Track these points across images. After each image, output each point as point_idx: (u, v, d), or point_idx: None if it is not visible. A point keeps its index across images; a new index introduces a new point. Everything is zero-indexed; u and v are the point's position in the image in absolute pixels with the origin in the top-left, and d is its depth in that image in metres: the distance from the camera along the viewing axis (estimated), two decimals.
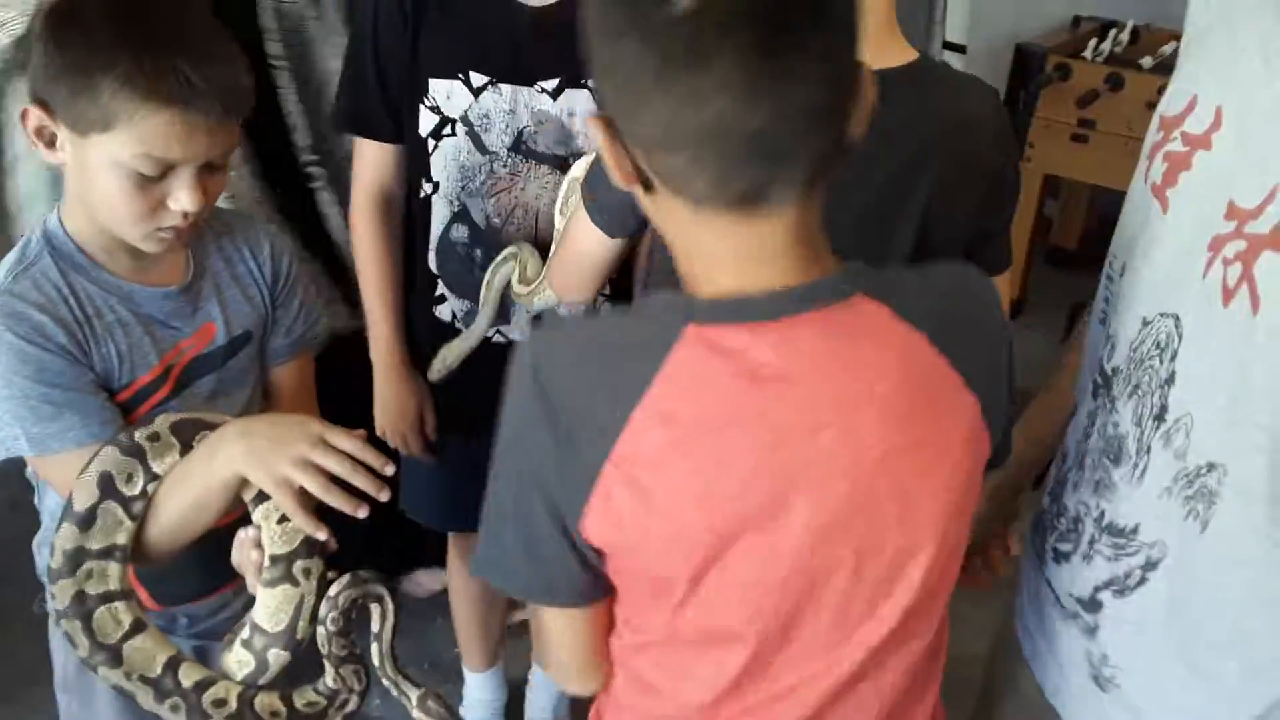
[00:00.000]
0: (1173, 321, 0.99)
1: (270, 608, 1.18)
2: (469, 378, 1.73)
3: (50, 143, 1.19)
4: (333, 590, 1.21)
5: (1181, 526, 0.99)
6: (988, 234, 1.32)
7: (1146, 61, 3.39)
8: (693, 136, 0.79)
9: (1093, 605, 1.10)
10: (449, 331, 1.72)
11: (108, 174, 1.16)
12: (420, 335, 1.75)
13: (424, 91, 1.57)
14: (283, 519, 1.17)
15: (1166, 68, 3.34)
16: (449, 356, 1.69)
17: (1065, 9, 3.88)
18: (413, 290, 1.74)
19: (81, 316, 1.22)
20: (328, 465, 1.12)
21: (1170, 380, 0.99)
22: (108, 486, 1.16)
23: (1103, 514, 1.09)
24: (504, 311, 1.68)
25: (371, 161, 1.66)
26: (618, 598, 1.00)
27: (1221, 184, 0.95)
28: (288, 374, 1.45)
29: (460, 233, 1.65)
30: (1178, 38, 1.09)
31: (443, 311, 1.72)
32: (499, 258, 1.62)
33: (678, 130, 0.79)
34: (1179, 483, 0.99)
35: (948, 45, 3.79)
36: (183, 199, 1.18)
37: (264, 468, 1.13)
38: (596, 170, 1.24)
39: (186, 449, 1.19)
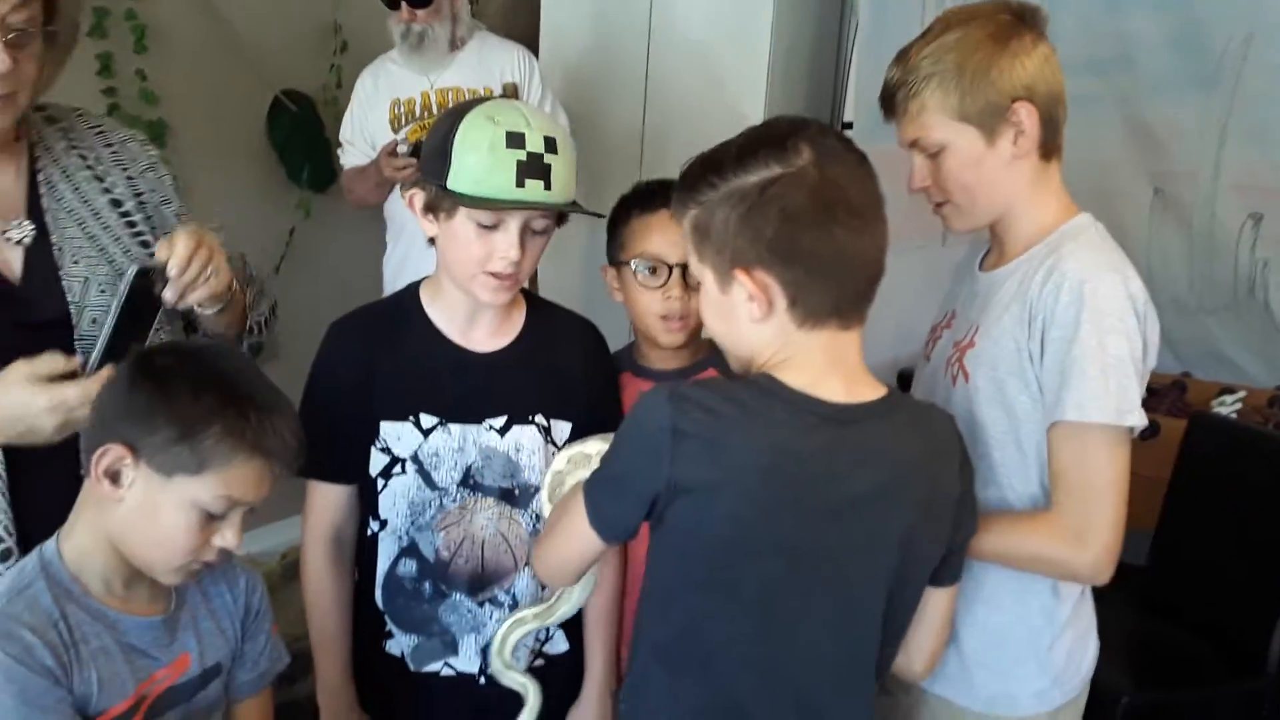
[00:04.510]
0: None
1: None
2: (415, 714, 1.73)
3: (114, 479, 1.29)
4: None
5: None
6: (951, 550, 1.44)
7: None
8: None
9: None
10: (398, 667, 1.73)
11: (178, 511, 1.29)
12: (368, 674, 1.76)
13: (375, 434, 1.66)
14: None
15: None
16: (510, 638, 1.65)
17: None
18: (359, 628, 1.76)
19: (69, 641, 1.27)
20: None
21: None
22: None
23: None
24: (452, 643, 1.72)
25: (324, 504, 1.72)
26: None
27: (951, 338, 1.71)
28: (249, 710, 1.48)
29: (409, 567, 1.71)
30: None
31: (392, 647, 1.74)
32: (502, 635, 1.64)
33: None
34: None
35: None
36: (229, 538, 1.33)
37: None
38: (601, 482, 1.37)
39: None
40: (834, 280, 1.30)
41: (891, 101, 1.63)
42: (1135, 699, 2.54)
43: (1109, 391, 1.49)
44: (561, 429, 1.71)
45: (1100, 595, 1.72)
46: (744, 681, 1.36)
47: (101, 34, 3.08)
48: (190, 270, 1.46)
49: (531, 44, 3.77)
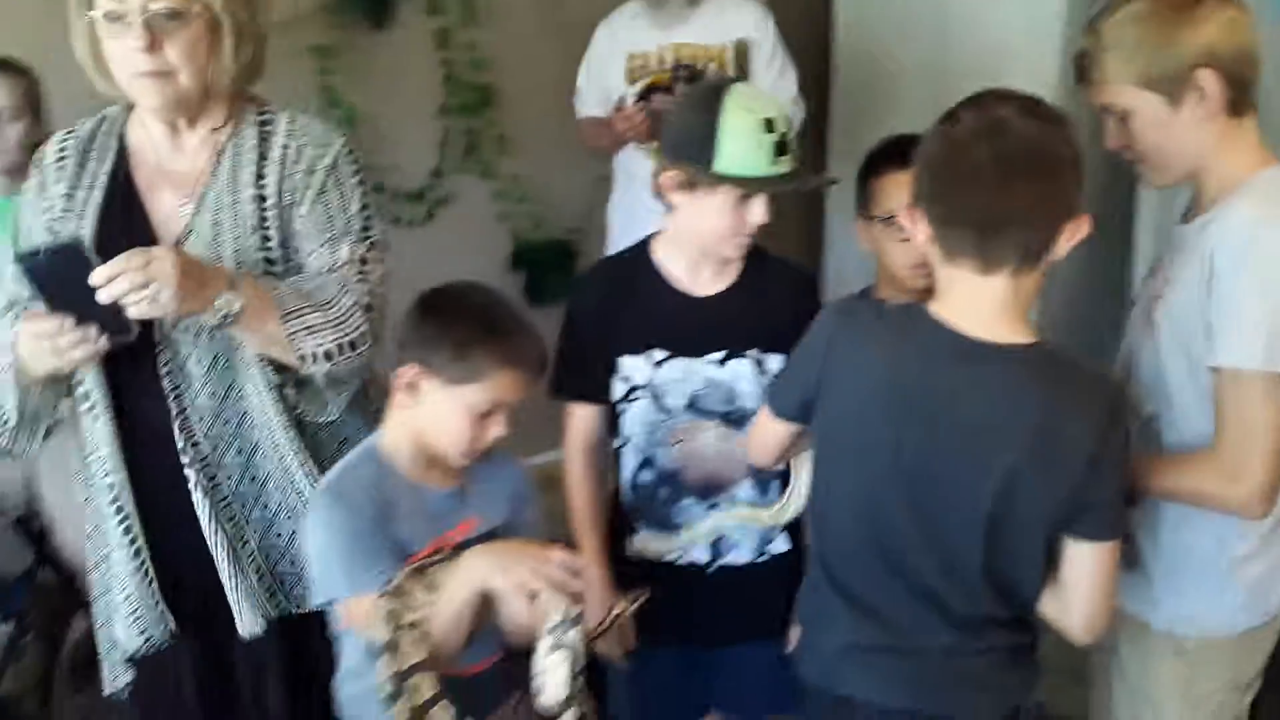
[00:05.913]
0: None
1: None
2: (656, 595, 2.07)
3: (413, 390, 1.70)
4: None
5: None
6: (1085, 506, 1.53)
7: None
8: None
9: None
10: (642, 556, 2.08)
11: (460, 412, 1.69)
12: (618, 562, 2.10)
13: (616, 367, 2.01)
14: None
15: None
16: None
17: None
18: (611, 526, 2.12)
19: (385, 502, 1.69)
20: (552, 575, 1.49)
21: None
22: (395, 623, 1.54)
23: None
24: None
25: (582, 420, 2.09)
26: None
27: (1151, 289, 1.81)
28: None
29: (648, 476, 2.05)
30: None
31: (637, 541, 2.09)
32: (729, 518, 2.01)
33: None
34: None
35: None
36: (498, 429, 1.71)
37: (506, 574, 1.50)
38: (782, 369, 1.81)
39: (427, 584, 1.57)
40: (966, 227, 1.51)
41: (1081, 70, 1.75)
42: None
43: (1261, 338, 1.57)
44: (773, 362, 1.98)
45: None
46: (863, 566, 1.64)
47: (436, 10, 3.60)
48: (116, 287, 1.59)
49: None
